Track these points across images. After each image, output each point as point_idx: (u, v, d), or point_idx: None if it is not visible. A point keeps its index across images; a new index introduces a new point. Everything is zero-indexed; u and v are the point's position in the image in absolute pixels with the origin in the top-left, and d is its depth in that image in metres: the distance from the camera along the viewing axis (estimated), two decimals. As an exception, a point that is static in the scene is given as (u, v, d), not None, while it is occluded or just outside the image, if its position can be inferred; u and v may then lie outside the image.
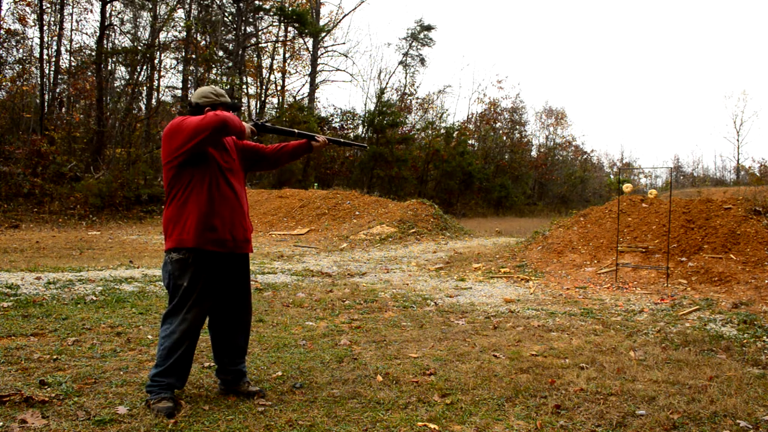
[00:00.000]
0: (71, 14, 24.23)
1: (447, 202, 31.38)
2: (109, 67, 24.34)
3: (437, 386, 3.48)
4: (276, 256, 11.22)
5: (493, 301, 6.78)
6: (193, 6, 27.23)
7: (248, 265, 3.33)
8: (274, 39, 31.32)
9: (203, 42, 27.09)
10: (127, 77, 24.37)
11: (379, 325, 5.21)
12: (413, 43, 34.83)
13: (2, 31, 21.16)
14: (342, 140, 3.95)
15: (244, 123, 3.19)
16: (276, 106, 31.82)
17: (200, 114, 3.14)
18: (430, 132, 35.39)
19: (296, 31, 31.09)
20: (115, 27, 24.43)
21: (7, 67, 21.82)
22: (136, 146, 23.66)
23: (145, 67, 24.07)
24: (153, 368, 3.05)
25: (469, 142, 38.42)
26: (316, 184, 23.15)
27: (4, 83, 21.69)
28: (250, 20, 29.59)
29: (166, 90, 28.37)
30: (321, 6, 32.33)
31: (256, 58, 30.74)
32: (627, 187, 10.47)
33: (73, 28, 24.65)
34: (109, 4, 22.69)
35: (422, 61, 35.64)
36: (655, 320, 5.73)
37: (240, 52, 28.27)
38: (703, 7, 72.43)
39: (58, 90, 23.51)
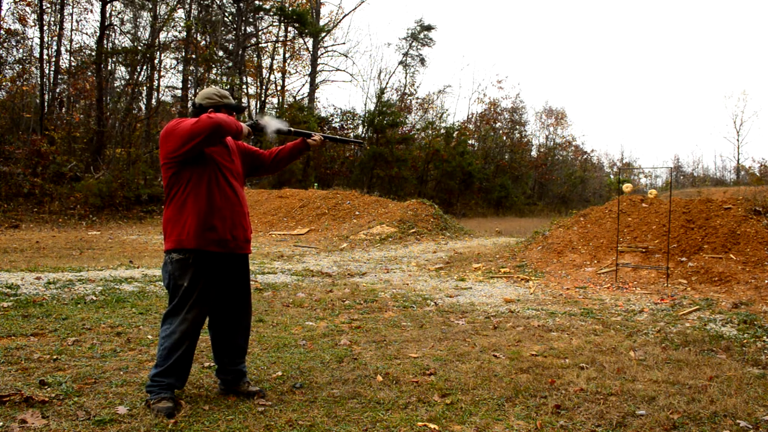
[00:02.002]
0: (71, 14, 24.25)
1: (447, 202, 31.37)
2: (109, 67, 24.34)
3: (437, 386, 3.48)
4: (276, 256, 11.22)
5: (493, 301, 6.78)
6: (193, 6, 27.23)
7: (248, 266, 3.33)
8: (274, 39, 31.34)
9: (203, 42, 27.09)
10: (127, 77, 24.37)
11: (379, 325, 5.21)
12: (413, 43, 34.83)
13: (2, 31, 21.16)
14: (339, 137, 3.92)
15: (241, 123, 3.18)
16: (276, 106, 31.81)
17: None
18: (430, 132, 35.37)
19: (296, 31, 31.09)
20: (115, 27, 24.44)
21: (7, 67, 21.83)
22: (136, 146, 23.66)
23: (145, 67, 24.07)
24: (153, 368, 3.05)
25: (469, 142, 38.39)
26: (316, 184, 23.14)
27: (4, 83, 21.69)
28: (250, 20, 29.59)
29: (166, 90, 28.39)
30: (321, 6, 32.32)
31: (256, 58, 30.74)
32: (627, 187, 10.48)
33: (73, 28, 24.67)
34: (109, 4, 22.69)
35: (422, 61, 35.64)
36: (655, 320, 5.73)
37: (240, 52, 28.27)
38: (703, 7, 72.43)
39: (58, 90, 23.51)
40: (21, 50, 22.65)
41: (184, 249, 3.00)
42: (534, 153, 44.58)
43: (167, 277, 3.06)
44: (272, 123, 3.44)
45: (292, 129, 3.55)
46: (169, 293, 3.09)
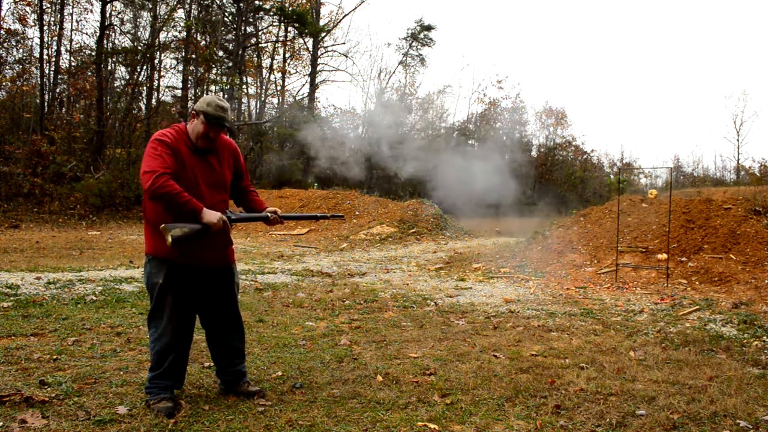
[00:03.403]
0: (71, 14, 24.23)
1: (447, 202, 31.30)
2: (109, 67, 24.32)
3: (437, 386, 3.48)
4: (276, 256, 11.22)
5: (493, 301, 6.78)
6: (193, 6, 27.21)
7: (231, 275, 3.23)
8: (274, 39, 31.30)
9: (203, 42, 27.07)
10: (127, 77, 24.36)
11: (379, 325, 5.21)
12: (413, 43, 34.78)
13: (2, 31, 21.16)
14: (307, 215, 3.51)
15: (209, 212, 2.91)
16: (276, 106, 31.80)
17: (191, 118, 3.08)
18: (430, 132, 35.33)
19: (296, 31, 31.06)
20: (115, 27, 24.42)
21: (7, 67, 21.81)
22: (136, 146, 23.63)
23: (145, 67, 24.06)
24: (149, 371, 3.05)
25: (469, 142, 38.37)
26: (316, 184, 23.12)
27: (4, 83, 21.69)
28: (250, 20, 29.57)
29: (166, 90, 28.32)
30: (321, 6, 32.29)
31: (256, 58, 30.71)
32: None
33: (73, 28, 24.64)
34: (109, 4, 22.69)
35: (422, 61, 35.60)
36: (655, 320, 5.73)
37: (240, 52, 28.25)
38: (703, 7, 72.37)
39: (58, 90, 23.49)
40: (21, 50, 22.65)
41: (157, 257, 3.01)
42: (534, 153, 44.55)
43: (146, 276, 3.07)
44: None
45: (266, 214, 3.23)
46: (148, 294, 3.09)
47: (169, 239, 2.81)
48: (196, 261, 3.04)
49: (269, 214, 3.25)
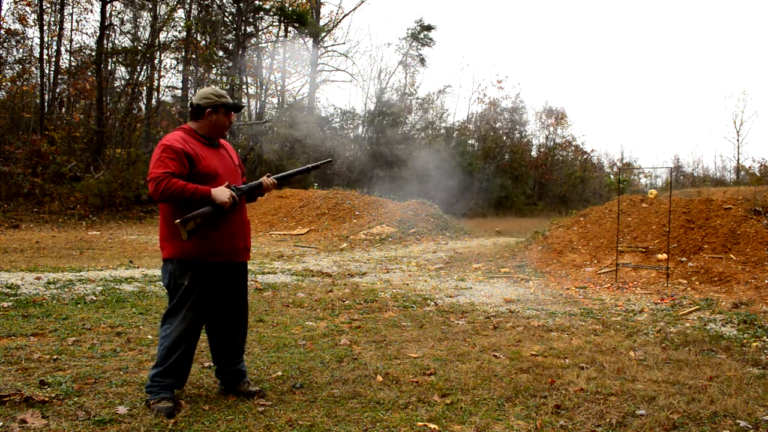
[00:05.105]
0: (71, 14, 24.23)
1: (447, 202, 31.30)
2: (109, 67, 24.33)
3: (437, 386, 3.48)
4: (276, 256, 11.22)
5: (493, 301, 6.78)
6: (193, 6, 27.22)
7: (246, 271, 3.36)
8: (274, 39, 31.30)
9: (203, 42, 27.07)
10: (127, 77, 24.37)
11: (379, 325, 5.21)
12: (413, 43, 34.75)
13: (2, 31, 21.16)
14: (296, 170, 3.58)
15: (217, 192, 2.98)
16: (276, 106, 31.79)
17: (200, 115, 3.13)
18: (430, 132, 35.31)
19: (296, 31, 31.06)
20: (115, 27, 24.43)
21: (7, 67, 21.82)
22: (136, 146, 23.65)
23: (145, 67, 24.07)
24: (152, 368, 3.05)
25: (469, 142, 38.35)
26: (316, 184, 23.11)
27: (4, 83, 21.69)
28: (250, 20, 29.57)
29: (166, 90, 28.33)
30: (321, 6, 32.28)
31: (256, 58, 30.71)
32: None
33: (73, 28, 24.65)
34: (109, 4, 22.69)
35: (422, 61, 35.55)
36: (655, 320, 5.73)
37: (240, 52, 28.26)
38: (703, 7, 72.39)
39: (58, 90, 23.49)
40: (21, 50, 22.67)
41: (182, 260, 3.02)
42: (534, 153, 44.53)
43: (167, 276, 3.07)
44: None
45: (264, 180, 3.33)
46: (168, 293, 3.10)
47: (185, 235, 2.91)
48: (224, 258, 3.10)
49: (262, 180, 3.34)
